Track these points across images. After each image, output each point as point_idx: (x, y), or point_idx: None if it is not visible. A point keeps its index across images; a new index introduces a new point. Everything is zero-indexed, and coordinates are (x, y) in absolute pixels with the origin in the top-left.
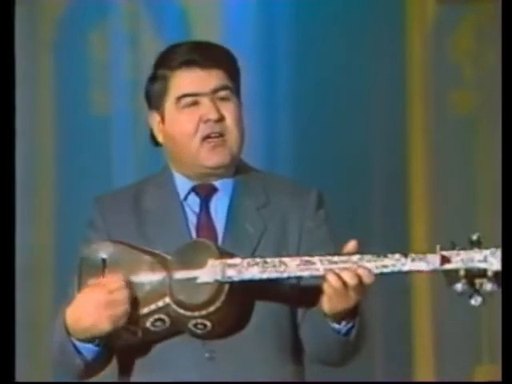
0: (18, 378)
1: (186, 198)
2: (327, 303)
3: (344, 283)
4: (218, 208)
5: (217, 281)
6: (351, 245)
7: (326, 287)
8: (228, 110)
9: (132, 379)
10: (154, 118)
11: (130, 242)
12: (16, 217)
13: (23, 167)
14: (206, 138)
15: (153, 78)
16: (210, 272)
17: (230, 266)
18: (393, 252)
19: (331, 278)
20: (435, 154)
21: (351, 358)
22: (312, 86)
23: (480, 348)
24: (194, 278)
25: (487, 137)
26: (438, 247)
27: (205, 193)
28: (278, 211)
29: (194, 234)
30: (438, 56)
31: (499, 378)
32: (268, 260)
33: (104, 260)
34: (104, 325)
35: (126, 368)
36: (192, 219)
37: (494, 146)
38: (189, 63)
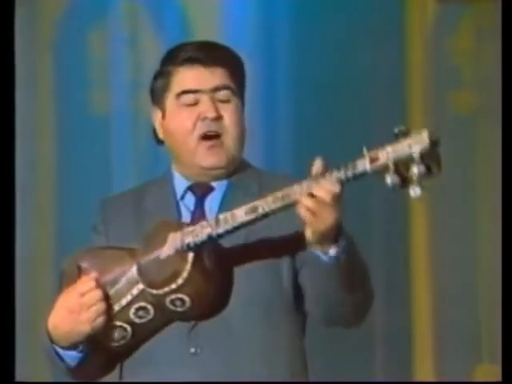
0: (18, 377)
1: (182, 197)
2: (308, 228)
3: (317, 200)
4: (213, 206)
5: (177, 251)
6: (317, 166)
7: (302, 212)
8: (227, 111)
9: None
10: (156, 114)
11: (103, 245)
12: (16, 216)
13: (23, 167)
14: (203, 136)
15: (157, 75)
16: (170, 245)
17: (187, 233)
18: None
19: (304, 199)
20: None
21: (358, 303)
22: (312, 85)
23: (480, 348)
24: (159, 257)
25: (487, 137)
26: (364, 149)
27: (201, 192)
28: None
29: None
30: (438, 56)
31: (499, 378)
32: (220, 217)
33: (79, 267)
34: (82, 327)
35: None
36: (186, 218)
37: (494, 145)
38: (192, 60)
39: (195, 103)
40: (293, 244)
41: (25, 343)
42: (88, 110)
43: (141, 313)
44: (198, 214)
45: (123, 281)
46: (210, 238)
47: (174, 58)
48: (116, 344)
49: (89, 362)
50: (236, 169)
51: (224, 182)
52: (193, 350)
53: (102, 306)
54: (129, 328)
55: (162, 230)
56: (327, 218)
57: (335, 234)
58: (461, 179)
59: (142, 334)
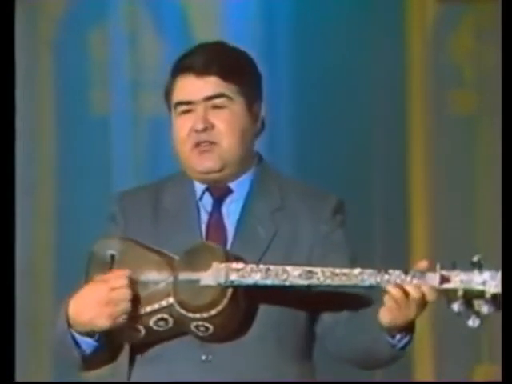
0: (18, 377)
1: (201, 197)
2: (388, 315)
3: (406, 295)
4: (231, 209)
5: (219, 284)
6: (422, 264)
7: (387, 299)
8: (220, 118)
9: (131, 377)
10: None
11: (139, 240)
12: (16, 217)
13: (23, 167)
14: (196, 145)
15: (165, 85)
16: (213, 275)
17: (234, 270)
18: (392, 263)
19: (393, 290)
20: (435, 154)
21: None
22: (312, 85)
23: (480, 348)
24: (198, 280)
25: (487, 137)
26: (438, 266)
27: (218, 194)
28: (292, 215)
29: (204, 234)
30: (438, 56)
31: (499, 378)
32: (271, 267)
33: (113, 256)
34: (102, 321)
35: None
36: (204, 219)
37: (494, 146)
38: (185, 70)
39: (190, 113)
40: (329, 306)
41: (25, 343)
42: (88, 110)
43: (161, 323)
44: (215, 217)
45: (155, 289)
46: (256, 284)
47: (174, 67)
48: (124, 341)
49: (102, 352)
50: (257, 171)
51: (244, 185)
52: (204, 357)
53: (128, 305)
54: (143, 331)
55: (204, 253)
56: (408, 314)
57: (410, 327)
58: (461, 179)
59: (153, 339)
